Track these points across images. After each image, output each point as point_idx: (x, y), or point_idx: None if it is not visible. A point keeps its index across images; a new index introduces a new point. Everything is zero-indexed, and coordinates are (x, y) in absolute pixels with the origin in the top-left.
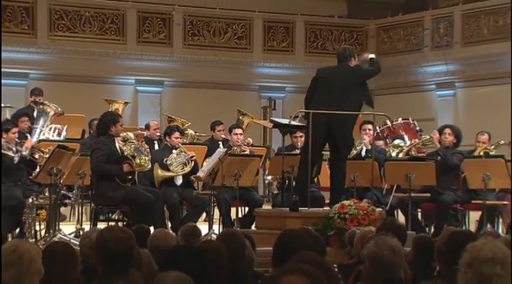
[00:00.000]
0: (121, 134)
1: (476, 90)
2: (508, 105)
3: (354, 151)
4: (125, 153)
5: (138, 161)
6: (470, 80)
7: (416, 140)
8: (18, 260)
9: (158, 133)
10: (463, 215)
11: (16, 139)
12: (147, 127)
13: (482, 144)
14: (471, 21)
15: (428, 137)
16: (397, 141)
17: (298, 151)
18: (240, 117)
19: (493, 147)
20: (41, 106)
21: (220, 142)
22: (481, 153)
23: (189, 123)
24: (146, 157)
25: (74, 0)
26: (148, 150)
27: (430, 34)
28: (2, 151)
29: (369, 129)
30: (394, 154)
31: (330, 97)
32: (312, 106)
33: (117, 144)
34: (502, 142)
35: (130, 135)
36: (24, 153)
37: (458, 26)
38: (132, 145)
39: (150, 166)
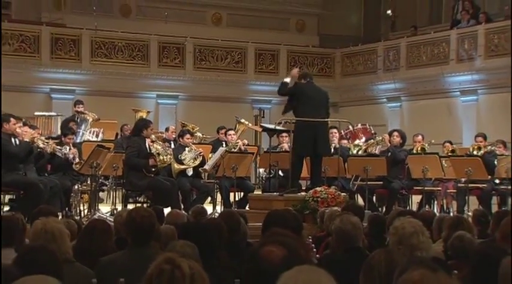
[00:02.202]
0: (150, 137)
1: (417, 103)
2: (437, 115)
3: None
4: (152, 151)
5: (162, 158)
6: (413, 95)
7: (372, 140)
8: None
9: (174, 135)
10: (407, 198)
11: (70, 143)
12: (167, 129)
13: (418, 143)
14: (413, 50)
15: (380, 138)
16: (357, 141)
17: (282, 150)
18: (237, 124)
19: (427, 144)
20: (82, 115)
21: (223, 142)
22: (419, 149)
23: (197, 128)
24: (169, 155)
25: (109, 33)
26: (170, 150)
27: (382, 60)
28: (56, 152)
29: (335, 132)
30: (355, 151)
31: (313, 108)
32: (299, 115)
33: (146, 144)
34: (433, 141)
35: (153, 136)
36: (69, 155)
37: (404, 53)
38: (159, 146)
39: (172, 162)
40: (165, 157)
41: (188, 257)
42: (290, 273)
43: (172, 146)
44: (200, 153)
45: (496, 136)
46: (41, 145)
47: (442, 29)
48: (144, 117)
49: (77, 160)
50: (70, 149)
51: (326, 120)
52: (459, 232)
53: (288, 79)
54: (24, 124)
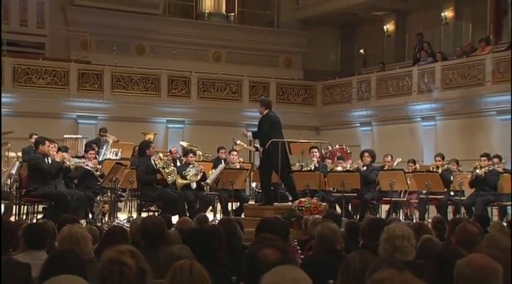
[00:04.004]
0: (155, 155)
1: (385, 127)
2: (402, 138)
3: (308, 167)
4: (158, 166)
5: (167, 170)
6: (381, 121)
7: (348, 163)
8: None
9: (178, 155)
10: (378, 207)
11: (92, 157)
12: (170, 152)
13: (387, 163)
14: (382, 83)
15: (356, 165)
16: (340, 161)
17: None
18: (234, 145)
19: (395, 163)
20: (104, 137)
21: (222, 160)
22: (388, 168)
23: (198, 147)
24: (172, 167)
25: (127, 69)
26: (172, 163)
27: (356, 91)
28: (85, 166)
29: (315, 152)
30: (338, 168)
31: (278, 132)
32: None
33: (152, 161)
34: (400, 160)
35: (161, 155)
36: (92, 166)
37: (374, 86)
38: (162, 161)
39: (175, 173)
40: (168, 169)
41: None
42: (275, 270)
43: (178, 164)
44: (201, 169)
45: (451, 155)
46: (68, 164)
47: (406, 66)
48: (151, 138)
49: (98, 171)
50: (88, 164)
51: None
52: (428, 236)
53: (249, 134)
54: (59, 150)
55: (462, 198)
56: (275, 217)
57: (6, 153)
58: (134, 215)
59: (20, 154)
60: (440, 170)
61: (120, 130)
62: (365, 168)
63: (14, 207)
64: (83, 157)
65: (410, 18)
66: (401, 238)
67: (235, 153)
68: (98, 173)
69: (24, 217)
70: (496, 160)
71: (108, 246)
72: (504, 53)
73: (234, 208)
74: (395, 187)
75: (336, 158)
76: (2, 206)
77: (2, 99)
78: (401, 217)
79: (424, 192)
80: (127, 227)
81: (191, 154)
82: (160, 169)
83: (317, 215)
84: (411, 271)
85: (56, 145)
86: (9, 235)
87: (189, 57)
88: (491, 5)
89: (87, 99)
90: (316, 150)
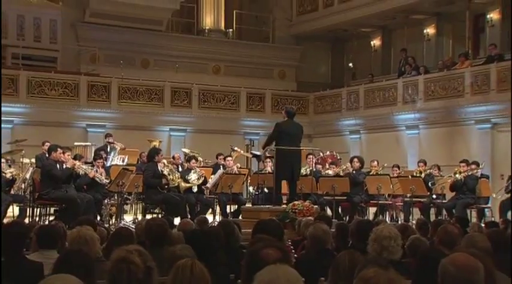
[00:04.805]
0: (162, 161)
1: (372, 135)
2: (388, 145)
3: (304, 172)
4: (164, 172)
5: (172, 177)
6: (369, 129)
7: (339, 169)
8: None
9: (180, 161)
10: (365, 210)
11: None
12: (173, 157)
13: (374, 168)
14: (369, 94)
15: (345, 167)
16: (332, 165)
17: (267, 172)
18: (232, 151)
19: (381, 168)
20: (112, 144)
21: (221, 166)
22: (374, 173)
23: (199, 154)
24: (176, 174)
25: (132, 81)
26: (177, 171)
27: (345, 101)
28: (96, 175)
29: (311, 157)
30: (330, 172)
31: (288, 141)
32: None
33: (159, 167)
34: (385, 165)
35: (165, 161)
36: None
37: (362, 96)
38: (168, 168)
39: (179, 180)
40: (173, 176)
41: (189, 257)
42: (268, 269)
43: (180, 169)
44: (203, 174)
45: (434, 161)
46: (78, 170)
47: (391, 78)
48: (157, 145)
49: (104, 179)
50: (97, 171)
51: (299, 148)
52: (416, 236)
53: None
54: (75, 157)
55: (444, 201)
56: (270, 219)
57: (21, 159)
58: (139, 217)
59: (33, 160)
60: (423, 175)
61: (126, 138)
62: (354, 172)
63: (28, 209)
64: (92, 164)
65: (396, 34)
66: (388, 238)
67: (230, 158)
68: (104, 181)
69: (37, 218)
70: (473, 166)
71: (115, 246)
72: (481, 66)
73: (232, 210)
74: (382, 191)
75: (328, 164)
76: (17, 208)
77: (17, 109)
78: (387, 219)
79: (408, 195)
80: (133, 228)
81: (193, 160)
82: (166, 175)
83: (309, 217)
84: (397, 270)
85: (70, 152)
86: (23, 235)
87: (191, 70)
88: (470, 22)
89: (95, 109)
90: (311, 156)
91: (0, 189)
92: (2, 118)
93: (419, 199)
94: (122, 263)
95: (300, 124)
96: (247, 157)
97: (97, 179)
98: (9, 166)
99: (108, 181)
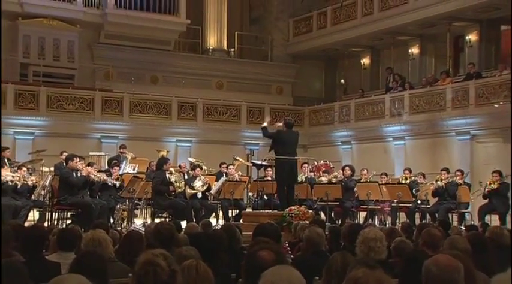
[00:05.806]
0: (169, 169)
1: (362, 145)
2: (376, 154)
3: (300, 179)
4: (171, 180)
5: (178, 184)
6: (359, 140)
7: (331, 176)
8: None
9: (186, 169)
10: (356, 214)
11: (116, 172)
12: (180, 166)
13: (364, 175)
14: (359, 108)
15: (337, 174)
16: (325, 174)
17: (267, 179)
18: (233, 161)
19: (370, 176)
20: (124, 154)
21: (224, 173)
22: (364, 180)
23: (204, 162)
24: (182, 182)
25: (143, 96)
26: (183, 179)
27: (338, 115)
28: (108, 181)
29: (307, 166)
30: (323, 179)
31: (287, 150)
32: (278, 154)
33: (167, 175)
34: (375, 172)
35: (172, 169)
36: (113, 182)
37: (353, 110)
38: (175, 176)
39: (183, 188)
40: (179, 184)
41: (194, 258)
42: (273, 269)
43: (186, 177)
44: (207, 181)
45: (418, 169)
46: (93, 178)
47: (379, 94)
48: (165, 154)
49: (115, 181)
50: (111, 181)
51: (296, 157)
52: (401, 238)
53: (265, 124)
54: (88, 165)
55: (427, 206)
56: (269, 223)
57: (41, 168)
58: (149, 221)
59: (52, 169)
60: (408, 181)
61: (136, 148)
62: (346, 179)
63: (47, 213)
64: (108, 171)
65: (383, 53)
66: (374, 240)
67: (232, 166)
68: (118, 183)
69: (55, 222)
70: (458, 173)
71: (126, 247)
72: (461, 83)
73: (233, 214)
74: (371, 196)
75: (321, 172)
76: (37, 213)
77: (38, 122)
78: (376, 223)
79: (395, 201)
80: (142, 231)
81: (198, 169)
82: (173, 182)
83: (305, 221)
84: (384, 269)
85: (84, 161)
86: (42, 238)
87: (196, 86)
88: (450, 43)
89: (109, 122)
90: (306, 165)
91: (0, 193)
92: (24, 130)
93: (405, 204)
94: (148, 265)
95: (297, 131)
96: (247, 166)
97: (109, 183)
98: (30, 174)
99: (118, 183)
